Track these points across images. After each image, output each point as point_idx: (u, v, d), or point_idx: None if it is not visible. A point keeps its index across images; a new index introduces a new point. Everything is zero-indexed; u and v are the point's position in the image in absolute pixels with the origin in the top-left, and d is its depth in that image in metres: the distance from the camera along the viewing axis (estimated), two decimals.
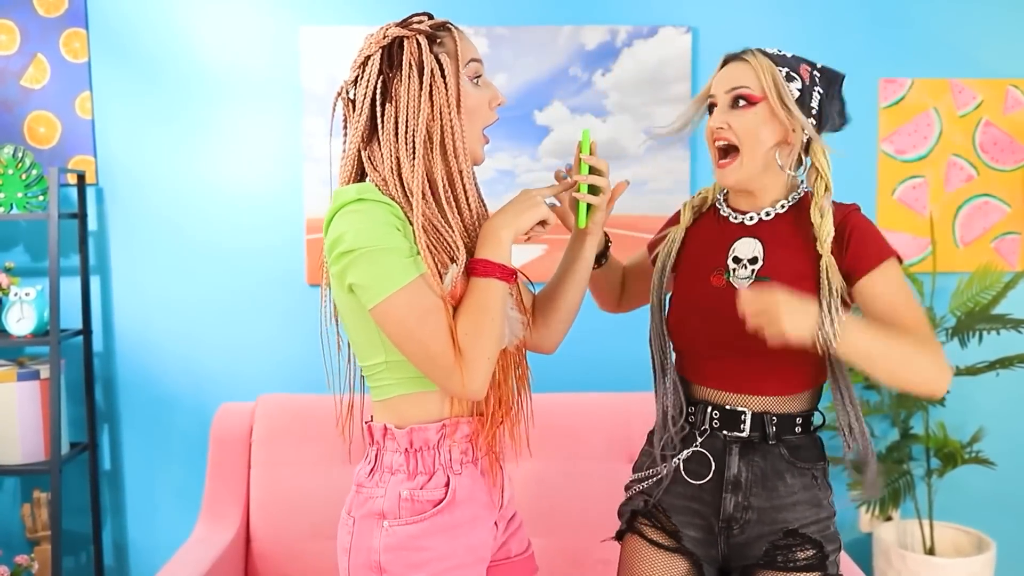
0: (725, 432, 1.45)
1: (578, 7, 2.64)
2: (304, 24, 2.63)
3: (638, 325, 2.72)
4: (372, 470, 1.33)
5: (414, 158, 1.25)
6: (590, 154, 1.37)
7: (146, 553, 2.75)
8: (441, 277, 1.24)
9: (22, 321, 2.52)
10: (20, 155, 2.51)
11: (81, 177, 2.61)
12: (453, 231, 1.27)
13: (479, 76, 1.31)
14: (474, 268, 1.25)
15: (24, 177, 2.52)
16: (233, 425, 2.40)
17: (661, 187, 2.65)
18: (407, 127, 1.25)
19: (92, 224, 2.68)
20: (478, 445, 1.34)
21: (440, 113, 1.26)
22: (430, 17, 1.32)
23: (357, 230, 1.19)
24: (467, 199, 1.30)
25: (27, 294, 2.52)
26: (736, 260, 1.45)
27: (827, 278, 1.37)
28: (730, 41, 2.65)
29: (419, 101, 1.25)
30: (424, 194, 1.26)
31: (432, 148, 1.27)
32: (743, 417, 1.44)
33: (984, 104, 2.69)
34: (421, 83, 1.25)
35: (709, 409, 1.47)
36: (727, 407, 1.45)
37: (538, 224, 1.30)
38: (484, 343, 1.22)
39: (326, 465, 2.34)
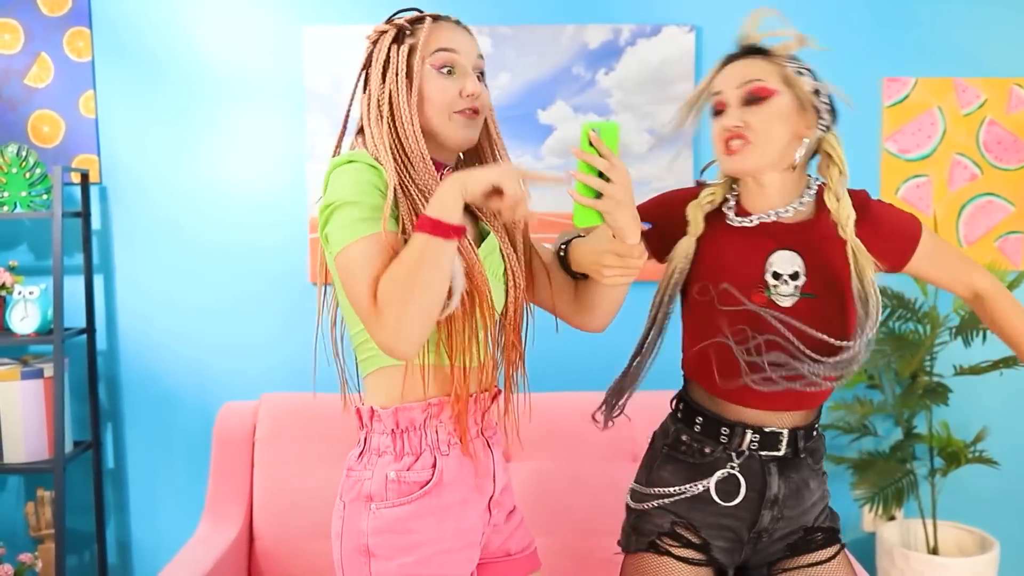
0: (762, 453, 1.44)
1: (581, 6, 2.64)
2: (307, 23, 2.63)
3: (641, 324, 2.72)
4: (361, 453, 1.34)
5: (382, 138, 1.29)
6: (590, 150, 1.22)
7: (149, 552, 2.75)
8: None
9: (26, 320, 2.52)
10: (24, 154, 2.51)
11: (85, 176, 2.61)
12: (422, 201, 1.27)
13: (448, 66, 1.31)
14: (413, 223, 1.23)
15: (28, 176, 2.52)
16: (236, 424, 2.40)
17: (664, 186, 2.64)
18: (379, 115, 1.31)
19: (96, 223, 2.68)
20: (456, 425, 1.32)
21: (396, 102, 1.30)
22: (419, 12, 1.35)
23: (340, 185, 1.24)
24: (428, 180, 1.29)
25: (31, 293, 2.53)
26: (776, 276, 1.40)
27: (855, 262, 1.35)
28: (733, 40, 2.65)
29: (382, 91, 1.31)
30: (397, 160, 1.28)
31: (391, 131, 1.31)
32: (780, 437, 1.43)
33: (988, 103, 2.69)
34: (384, 75, 1.31)
35: (748, 432, 1.43)
36: (766, 429, 1.43)
37: (495, 195, 1.20)
38: (402, 295, 1.15)
39: (329, 464, 2.34)
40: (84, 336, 2.69)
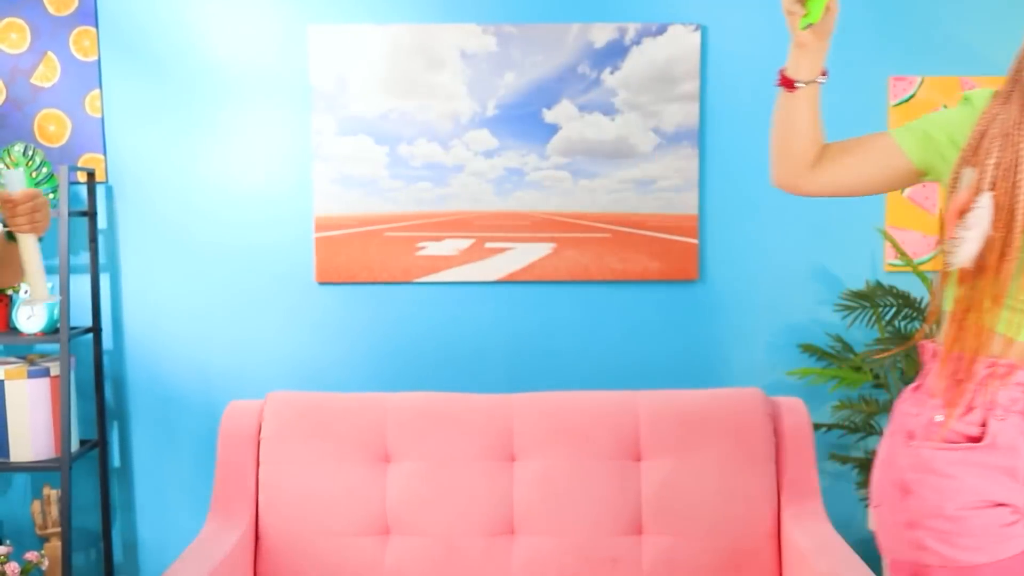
0: None
1: (587, 5, 2.64)
2: (312, 22, 2.63)
3: (645, 323, 2.72)
4: (916, 388, 1.33)
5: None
6: None
7: (155, 550, 2.76)
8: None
9: (32, 319, 2.53)
10: (30, 153, 2.52)
11: (91, 175, 2.61)
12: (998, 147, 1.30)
13: None
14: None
15: (34, 175, 2.53)
16: (242, 422, 2.40)
17: (669, 185, 2.65)
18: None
19: (102, 222, 2.68)
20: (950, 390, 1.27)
21: None
22: None
23: (939, 111, 1.37)
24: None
25: None
26: None
27: None
28: (739, 39, 2.65)
29: None
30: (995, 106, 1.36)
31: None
32: None
33: None
34: None
35: None
36: None
37: (796, 7, 1.27)
38: (772, 134, 1.38)
39: (335, 462, 2.35)
40: (90, 335, 2.69)
